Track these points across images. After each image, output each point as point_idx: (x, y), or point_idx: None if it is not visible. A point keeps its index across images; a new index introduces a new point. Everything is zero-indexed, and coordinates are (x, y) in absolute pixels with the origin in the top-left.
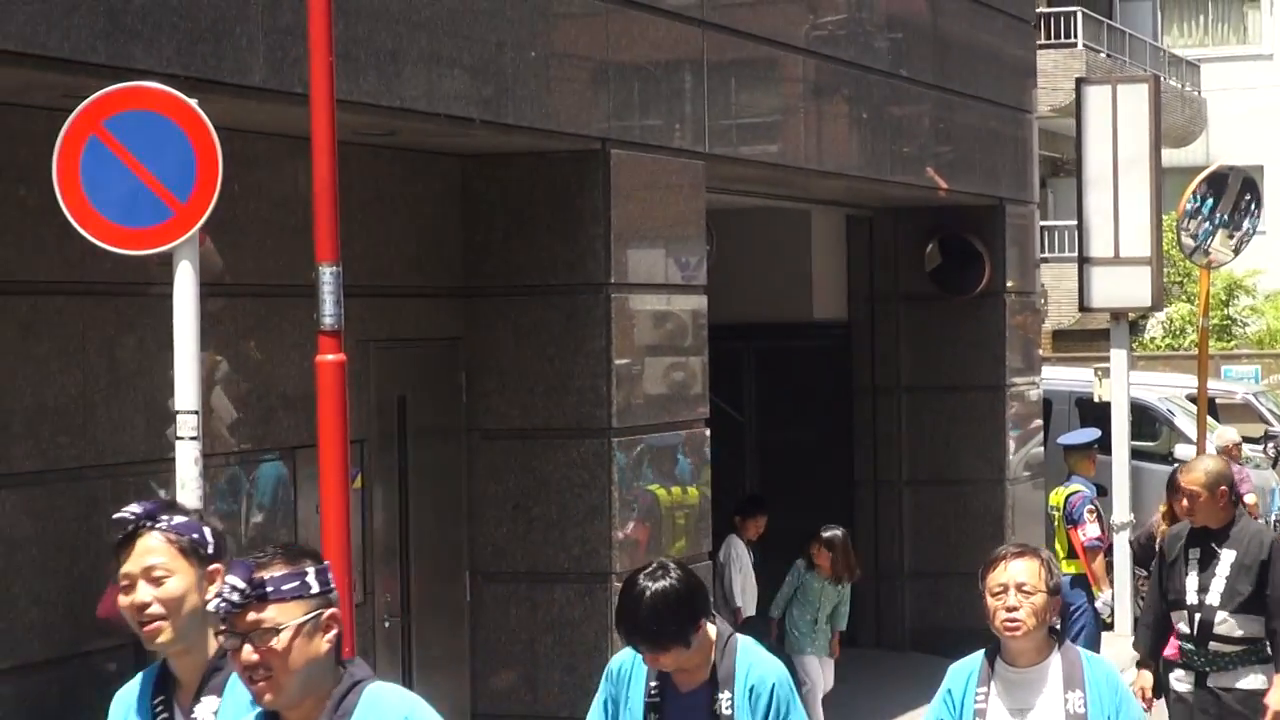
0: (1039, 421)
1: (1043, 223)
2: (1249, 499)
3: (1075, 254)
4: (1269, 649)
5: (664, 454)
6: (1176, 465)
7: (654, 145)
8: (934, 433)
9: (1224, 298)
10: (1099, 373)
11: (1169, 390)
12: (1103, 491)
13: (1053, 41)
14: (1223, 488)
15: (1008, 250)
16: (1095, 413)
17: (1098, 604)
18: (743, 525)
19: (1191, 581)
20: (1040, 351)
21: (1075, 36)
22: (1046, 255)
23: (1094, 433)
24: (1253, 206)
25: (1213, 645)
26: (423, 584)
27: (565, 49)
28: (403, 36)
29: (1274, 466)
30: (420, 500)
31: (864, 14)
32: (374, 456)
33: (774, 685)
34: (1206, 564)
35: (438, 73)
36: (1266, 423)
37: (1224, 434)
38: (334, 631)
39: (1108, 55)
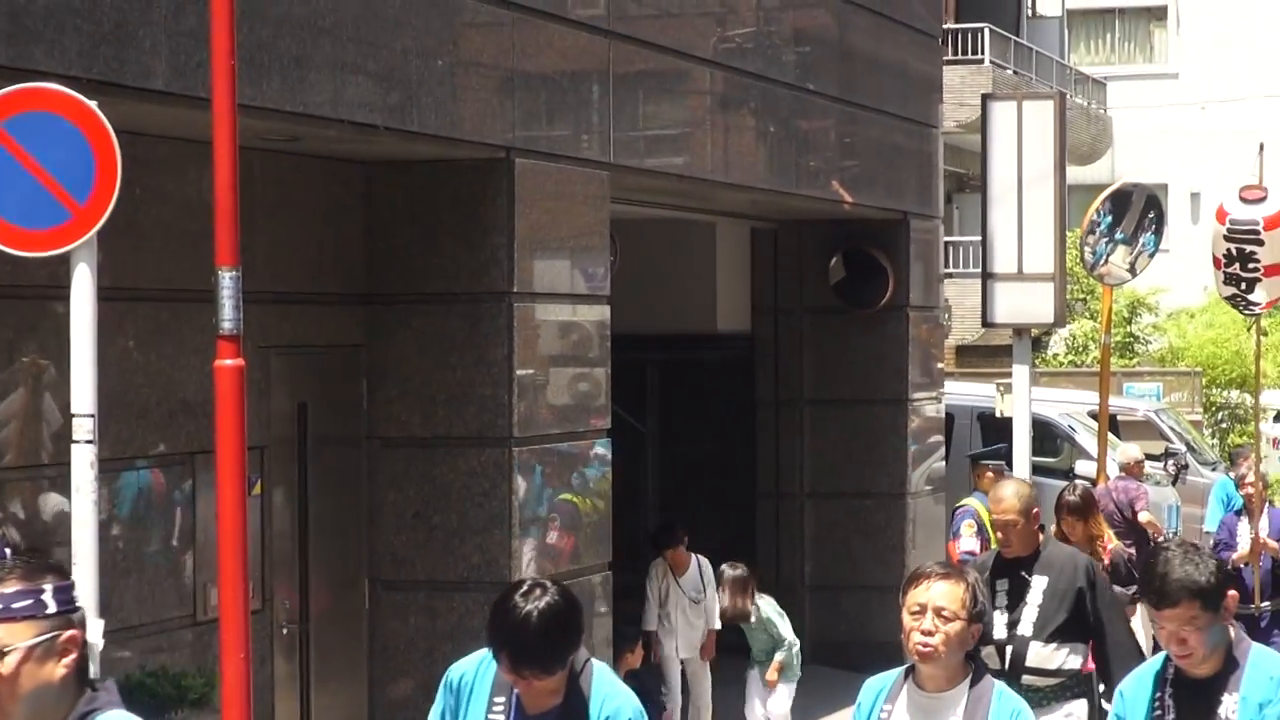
0: (940, 436)
1: (948, 238)
2: (1143, 517)
3: (979, 269)
4: (1089, 679)
5: (565, 464)
6: (1065, 486)
7: (559, 155)
8: (836, 446)
9: (1127, 315)
10: (1001, 388)
11: (1071, 406)
12: None
13: (960, 58)
14: (1035, 510)
15: (911, 265)
16: (997, 428)
17: None
18: (673, 559)
19: (1000, 615)
20: (943, 366)
21: (982, 53)
22: (951, 270)
23: (999, 448)
24: (1155, 224)
25: (1026, 679)
26: (322, 591)
27: (471, 57)
28: (308, 42)
29: (1173, 484)
30: (320, 508)
31: (772, 27)
32: (274, 463)
33: (629, 718)
34: (1016, 594)
35: (343, 79)
36: (1167, 440)
37: (1127, 451)
38: (72, 656)
39: (1015, 72)
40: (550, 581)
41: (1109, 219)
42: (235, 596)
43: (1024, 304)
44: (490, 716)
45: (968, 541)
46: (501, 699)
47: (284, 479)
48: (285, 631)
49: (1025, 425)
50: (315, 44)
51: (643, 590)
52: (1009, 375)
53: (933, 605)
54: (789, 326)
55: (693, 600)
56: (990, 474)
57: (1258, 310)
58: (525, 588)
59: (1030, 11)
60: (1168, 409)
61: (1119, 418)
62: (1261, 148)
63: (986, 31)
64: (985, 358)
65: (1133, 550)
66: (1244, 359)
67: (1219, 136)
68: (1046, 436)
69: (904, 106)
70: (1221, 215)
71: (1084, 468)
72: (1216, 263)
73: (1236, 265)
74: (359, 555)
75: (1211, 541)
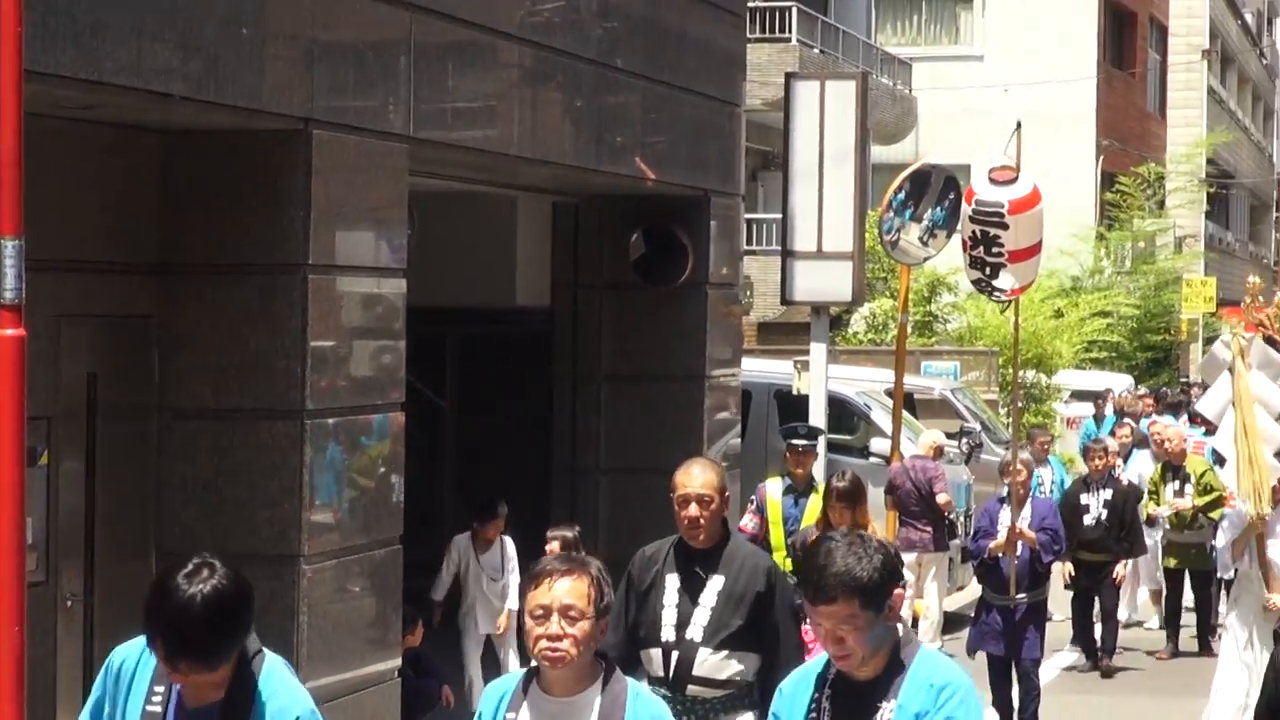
0: (737, 413)
1: (752, 216)
2: (941, 498)
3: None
4: (758, 691)
5: (358, 437)
6: (831, 475)
7: (358, 127)
8: (633, 421)
9: (926, 294)
10: (799, 365)
11: (868, 385)
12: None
13: (767, 36)
14: (727, 494)
15: (712, 242)
16: (794, 405)
17: None
18: (484, 535)
19: (669, 614)
20: (745, 343)
21: (790, 31)
22: (755, 248)
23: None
24: (953, 205)
25: (692, 689)
26: (109, 564)
27: (272, 27)
28: (104, 9)
29: (967, 462)
30: (108, 479)
31: (579, 3)
32: (61, 434)
33: (297, 717)
34: (690, 592)
35: (139, 47)
36: (963, 419)
37: (927, 438)
38: None
39: (821, 51)
40: (220, 562)
41: (900, 197)
42: (11, 568)
43: (823, 282)
44: (148, 708)
45: (746, 519)
46: (161, 689)
47: (72, 450)
48: (69, 604)
49: (821, 403)
50: (112, 11)
51: (436, 565)
52: (808, 353)
53: (558, 605)
54: (589, 302)
55: (491, 579)
56: (787, 454)
57: (1004, 297)
58: (190, 567)
59: None
60: (964, 388)
61: (916, 396)
62: (1019, 126)
63: (794, 10)
64: (787, 335)
65: (929, 531)
66: (1040, 339)
67: (1021, 119)
68: (843, 414)
69: (708, 84)
70: (969, 196)
71: (879, 445)
72: (964, 244)
73: (981, 249)
74: (147, 527)
75: (972, 528)
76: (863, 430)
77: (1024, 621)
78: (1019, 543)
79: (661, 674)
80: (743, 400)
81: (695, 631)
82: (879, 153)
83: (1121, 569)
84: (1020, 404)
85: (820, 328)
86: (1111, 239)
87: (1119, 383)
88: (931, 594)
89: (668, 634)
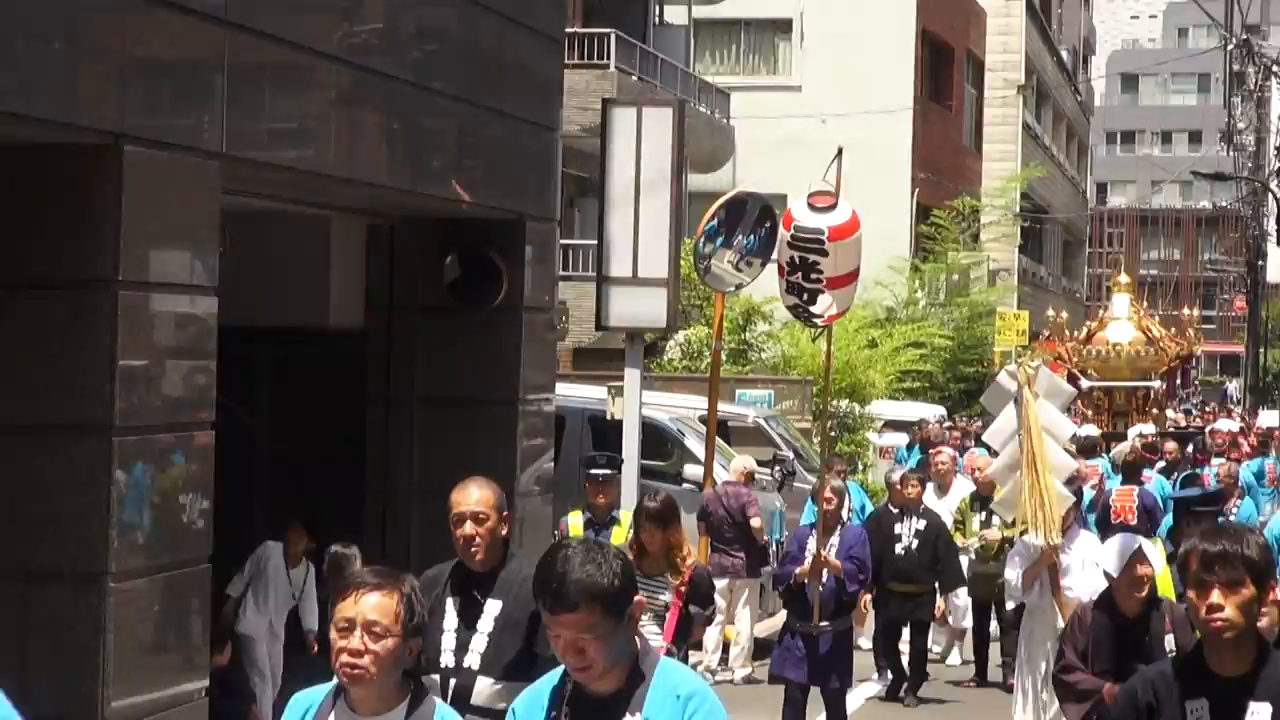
0: (550, 439)
1: (569, 241)
2: (755, 523)
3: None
4: None
5: (167, 456)
6: (645, 493)
7: (170, 144)
8: (446, 445)
9: (741, 322)
10: (612, 391)
11: (682, 411)
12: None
13: (586, 62)
14: (506, 513)
15: (527, 266)
16: (608, 431)
17: None
18: (288, 537)
19: (448, 640)
20: (560, 369)
21: (608, 58)
22: (571, 273)
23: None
24: (769, 233)
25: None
26: None
27: (84, 42)
28: None
29: (779, 489)
30: None
31: (398, 24)
32: None
33: None
34: (467, 618)
35: None
36: (776, 446)
37: (738, 463)
38: None
39: (639, 78)
40: None
41: (715, 224)
42: None
43: (638, 308)
44: None
45: None
46: None
47: None
48: None
49: (635, 428)
50: None
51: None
52: (623, 379)
53: (362, 620)
54: (403, 324)
55: (290, 595)
56: (586, 485)
57: (819, 323)
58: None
59: (657, 19)
60: (778, 416)
61: (730, 423)
62: (840, 152)
63: (613, 37)
64: (602, 361)
65: (741, 557)
66: (854, 369)
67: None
68: (657, 440)
69: (525, 108)
70: (788, 221)
71: (691, 471)
72: (780, 270)
73: (799, 274)
74: None
75: (781, 553)
76: (676, 456)
77: (829, 650)
78: (824, 571)
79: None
80: (557, 425)
81: (473, 659)
82: (696, 180)
83: (941, 602)
84: (833, 433)
85: (635, 353)
86: (926, 271)
87: (932, 413)
88: (743, 619)
89: (446, 660)
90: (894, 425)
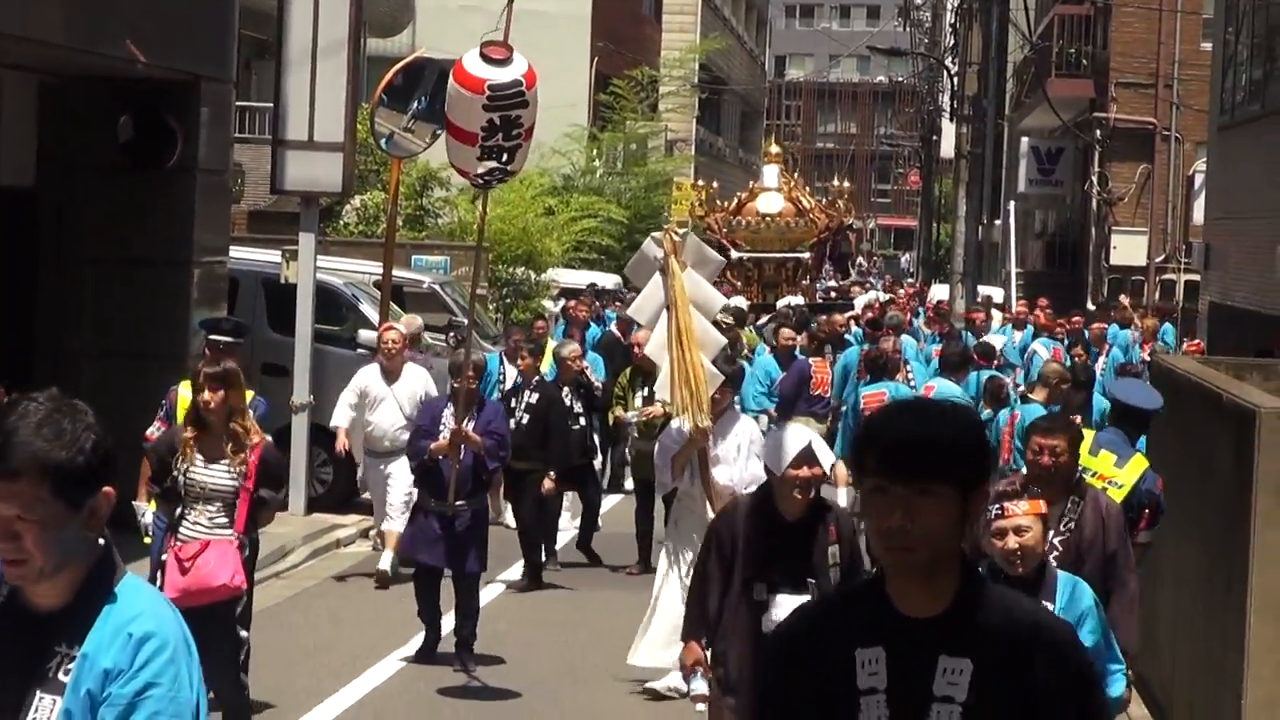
0: (224, 301)
1: (247, 103)
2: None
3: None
4: None
5: None
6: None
7: None
8: (118, 306)
9: (418, 188)
10: (286, 255)
11: (357, 275)
12: (284, 372)
13: None
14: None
15: (202, 128)
16: (282, 295)
17: None
18: None
19: None
20: (236, 232)
21: None
22: (249, 136)
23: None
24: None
25: None
26: None
27: None
28: None
29: (454, 352)
30: None
31: None
32: None
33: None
34: None
35: None
36: (451, 313)
37: (409, 320)
38: None
39: None
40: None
41: (393, 90)
42: None
43: (313, 172)
44: None
45: (153, 427)
46: None
47: None
48: None
49: (309, 292)
50: None
51: None
52: (298, 243)
53: None
54: (76, 184)
55: None
56: (207, 350)
57: (509, 178)
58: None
59: None
60: (453, 282)
61: (405, 289)
62: (510, 2)
63: None
64: (279, 225)
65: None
66: (530, 236)
67: (518, 17)
68: (331, 304)
69: None
70: (478, 84)
71: (365, 336)
72: (469, 138)
73: (500, 135)
74: None
75: (411, 428)
76: (351, 321)
77: (466, 531)
78: (463, 446)
79: None
80: (230, 289)
81: None
82: (375, 45)
83: (549, 480)
84: (509, 299)
85: (310, 217)
86: (604, 140)
87: (609, 283)
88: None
89: None
90: (570, 293)
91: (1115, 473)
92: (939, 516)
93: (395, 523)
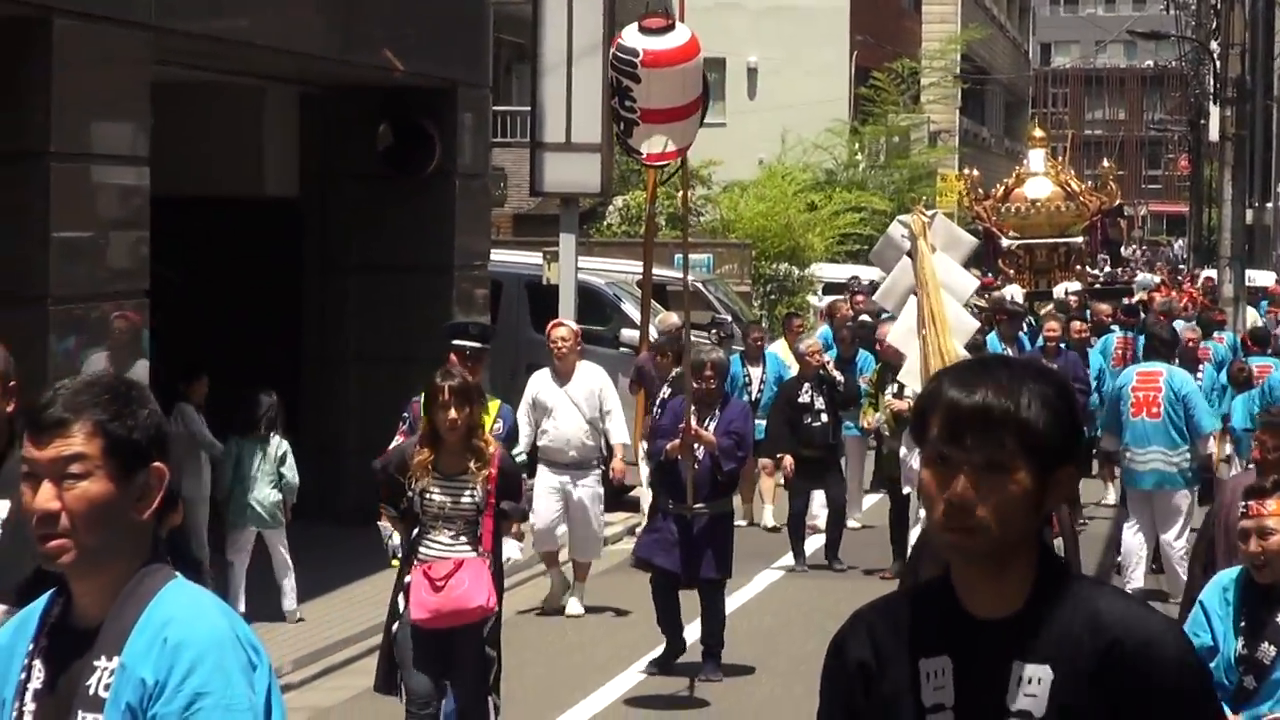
0: (486, 304)
1: (508, 108)
2: None
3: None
4: None
5: (102, 324)
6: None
7: (100, 16)
8: (382, 312)
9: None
10: (548, 256)
11: (619, 275)
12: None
13: None
14: (13, 384)
15: (460, 133)
16: (545, 296)
17: None
18: (188, 391)
19: None
20: (500, 235)
21: None
22: (509, 140)
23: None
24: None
25: None
26: None
27: None
28: None
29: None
30: None
31: None
32: None
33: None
34: None
35: None
36: (714, 310)
37: (666, 318)
38: None
39: None
40: None
41: None
42: None
43: (572, 174)
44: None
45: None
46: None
47: None
48: None
49: (570, 293)
50: None
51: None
52: (559, 244)
53: None
54: (337, 192)
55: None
56: (452, 356)
57: (641, 159)
58: None
59: None
60: (716, 280)
61: (667, 288)
62: None
63: None
64: (542, 227)
65: None
66: (793, 232)
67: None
68: (593, 304)
69: None
70: (615, 40)
71: (627, 335)
72: (609, 94)
73: (617, 99)
74: None
75: (650, 425)
76: (613, 320)
77: (703, 536)
78: (698, 447)
79: None
80: (494, 291)
81: None
82: None
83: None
84: (773, 296)
85: (569, 218)
86: (866, 133)
87: (874, 275)
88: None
89: None
90: (835, 288)
91: None
92: (1008, 497)
93: (589, 552)
